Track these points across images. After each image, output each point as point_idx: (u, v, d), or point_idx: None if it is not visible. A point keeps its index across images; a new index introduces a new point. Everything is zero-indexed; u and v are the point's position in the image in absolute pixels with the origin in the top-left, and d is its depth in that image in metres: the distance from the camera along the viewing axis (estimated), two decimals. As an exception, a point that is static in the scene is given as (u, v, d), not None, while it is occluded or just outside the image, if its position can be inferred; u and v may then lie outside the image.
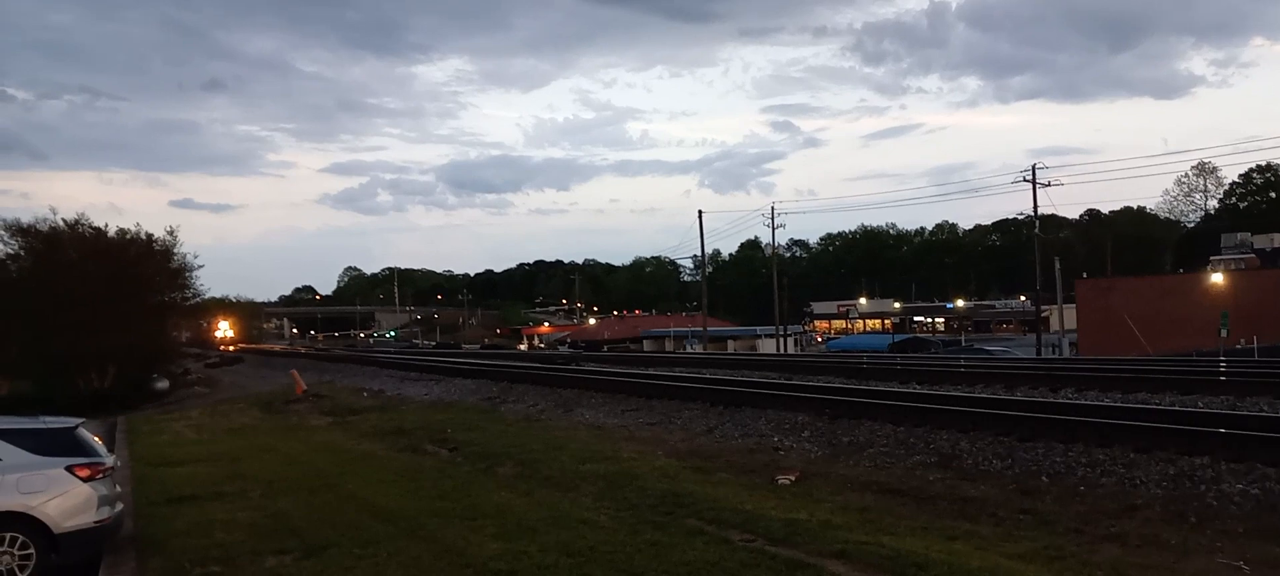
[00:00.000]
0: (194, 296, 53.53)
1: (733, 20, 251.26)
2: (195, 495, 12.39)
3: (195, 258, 50.06)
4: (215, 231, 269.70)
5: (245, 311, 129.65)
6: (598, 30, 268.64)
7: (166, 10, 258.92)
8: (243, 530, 10.08)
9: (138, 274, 44.79)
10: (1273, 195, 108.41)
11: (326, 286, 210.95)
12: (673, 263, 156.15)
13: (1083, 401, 16.73)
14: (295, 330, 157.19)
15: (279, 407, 27.45)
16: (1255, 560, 7.64)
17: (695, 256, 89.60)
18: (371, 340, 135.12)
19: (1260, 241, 63.35)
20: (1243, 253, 64.00)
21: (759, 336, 78.51)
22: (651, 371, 30.15)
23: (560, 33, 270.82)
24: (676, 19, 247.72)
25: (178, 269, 48.71)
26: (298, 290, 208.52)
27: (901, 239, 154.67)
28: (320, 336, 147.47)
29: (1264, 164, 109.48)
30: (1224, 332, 38.16)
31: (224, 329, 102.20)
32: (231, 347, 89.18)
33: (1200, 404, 16.35)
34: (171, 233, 48.11)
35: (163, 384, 48.11)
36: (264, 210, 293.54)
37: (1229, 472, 9.99)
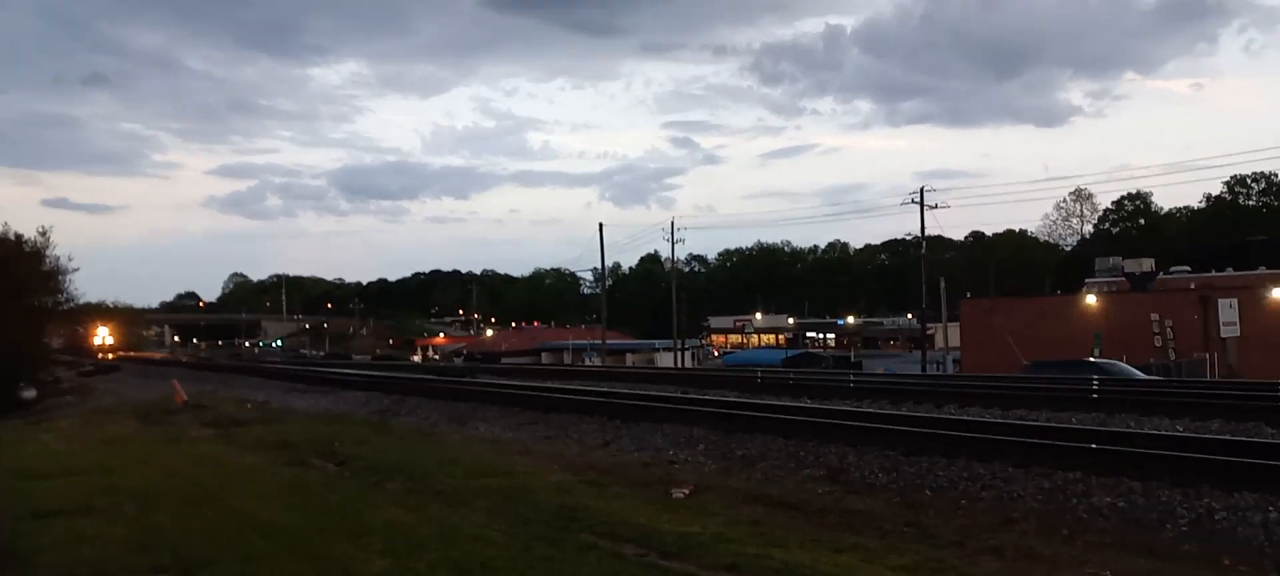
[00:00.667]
0: (67, 301, 51.15)
1: (635, 35, 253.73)
2: (64, 509, 11.72)
3: (70, 260, 47.89)
4: (93, 233, 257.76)
5: (124, 318, 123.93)
6: (499, 39, 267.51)
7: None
8: (115, 545, 9.59)
9: (4, 276, 42.46)
10: (1142, 222, 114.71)
11: (211, 293, 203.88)
12: (573, 275, 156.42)
13: (965, 417, 17.31)
14: (177, 338, 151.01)
15: (157, 418, 26.31)
16: (1121, 571, 8.00)
17: (595, 269, 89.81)
18: (257, 349, 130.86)
19: (1130, 265, 66.73)
20: (1114, 276, 67.31)
21: (657, 350, 79.01)
22: (549, 384, 30.00)
23: (461, 39, 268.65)
24: (579, 31, 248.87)
25: (50, 272, 46.48)
26: (180, 296, 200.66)
27: (796, 256, 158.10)
28: (204, 345, 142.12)
29: (1135, 192, 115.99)
30: (1098, 352, 40.07)
31: (103, 335, 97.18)
32: (111, 355, 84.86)
33: (1074, 420, 17.10)
34: (44, 233, 45.91)
35: (30, 393, 45.59)
36: (146, 212, 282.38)
37: (1099, 486, 10.45)
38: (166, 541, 9.78)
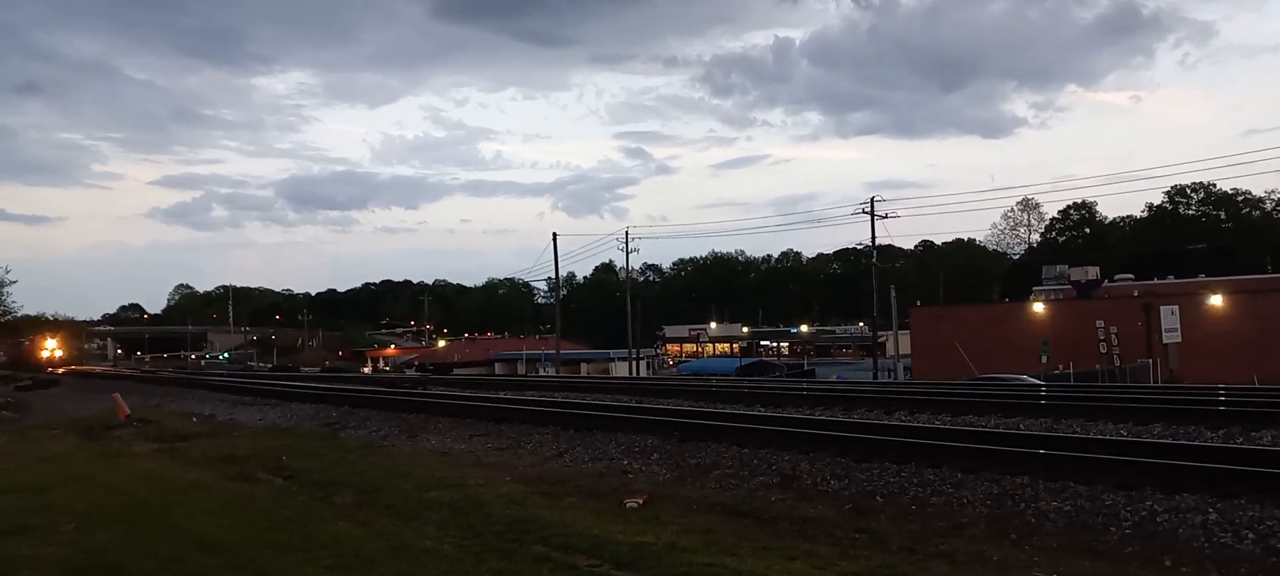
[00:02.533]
0: (5, 314, 49.62)
1: (586, 46, 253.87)
2: (-4, 530, 11.37)
3: (6, 272, 46.55)
4: (30, 244, 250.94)
5: (64, 331, 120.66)
6: (448, 48, 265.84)
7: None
8: (51, 567, 9.30)
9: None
10: (1087, 231, 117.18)
11: (156, 305, 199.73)
12: (526, 285, 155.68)
13: (915, 424, 17.49)
14: (120, 350, 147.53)
15: (99, 433, 25.63)
16: (1067, 574, 8.14)
17: (549, 279, 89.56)
18: (203, 362, 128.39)
19: (1076, 273, 68.10)
20: (1061, 284, 68.62)
21: (612, 359, 78.91)
22: (502, 395, 29.77)
23: (409, 49, 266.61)
24: (529, 41, 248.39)
25: (-14, 284, 45.10)
26: (124, 308, 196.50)
27: (750, 265, 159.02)
28: (148, 357, 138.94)
29: (1079, 201, 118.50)
30: (1045, 359, 40.81)
31: (52, 348, 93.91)
32: (61, 370, 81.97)
33: (1022, 426, 17.36)
34: (-20, 244, 44.52)
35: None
36: (87, 223, 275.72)
37: (1046, 491, 10.60)
38: (106, 560, 9.51)
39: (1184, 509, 9.47)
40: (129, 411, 29.60)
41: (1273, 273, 69.33)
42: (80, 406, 39.99)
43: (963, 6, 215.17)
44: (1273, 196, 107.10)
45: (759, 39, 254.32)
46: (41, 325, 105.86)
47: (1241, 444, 13.94)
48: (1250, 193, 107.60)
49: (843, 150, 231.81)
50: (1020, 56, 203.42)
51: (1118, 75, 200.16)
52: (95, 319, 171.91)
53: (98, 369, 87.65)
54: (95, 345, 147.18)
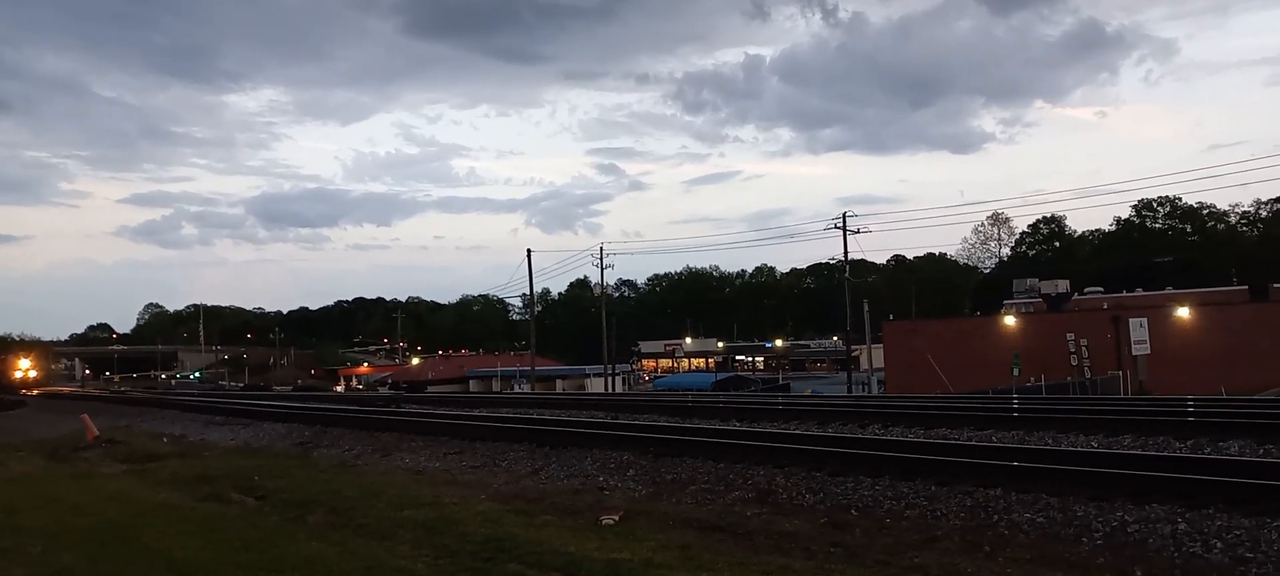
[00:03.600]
0: (-31, 334, 48.76)
1: (558, 63, 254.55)
2: (-39, 554, 11.17)
3: (-28, 291, 45.66)
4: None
5: (36, 351, 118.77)
6: (420, 66, 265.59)
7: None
8: (16, 591, 9.16)
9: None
10: (1057, 244, 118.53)
11: (125, 324, 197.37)
12: (501, 301, 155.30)
13: (889, 437, 17.56)
14: (88, 371, 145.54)
15: (66, 454, 25.27)
16: (1041, 584, 8.19)
17: (524, 295, 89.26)
18: (174, 381, 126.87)
19: (1046, 286, 68.75)
20: (1031, 297, 69.27)
21: (588, 375, 78.79)
22: (477, 412, 29.62)
23: (381, 66, 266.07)
24: (501, 59, 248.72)
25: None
26: (92, 328, 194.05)
27: (724, 280, 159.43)
28: (117, 378, 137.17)
29: (1049, 215, 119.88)
30: (1016, 371, 41.16)
31: (25, 368, 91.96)
32: (35, 390, 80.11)
33: (995, 438, 17.46)
34: (-55, 264, 43.75)
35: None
36: (54, 242, 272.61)
37: (1018, 503, 10.68)
38: (73, 583, 9.37)
39: (1154, 519, 9.57)
40: (97, 432, 29.19)
41: (1238, 285, 70.38)
42: (47, 428, 39.39)
43: (931, 25, 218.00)
44: (1237, 210, 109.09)
45: (730, 56, 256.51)
46: (9, 345, 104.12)
47: (1209, 454, 14.10)
48: (1215, 206, 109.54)
49: (814, 166, 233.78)
50: (988, 73, 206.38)
51: (1084, 91, 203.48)
52: (63, 338, 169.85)
53: (65, 389, 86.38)
54: (62, 365, 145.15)
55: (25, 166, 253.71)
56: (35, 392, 77.40)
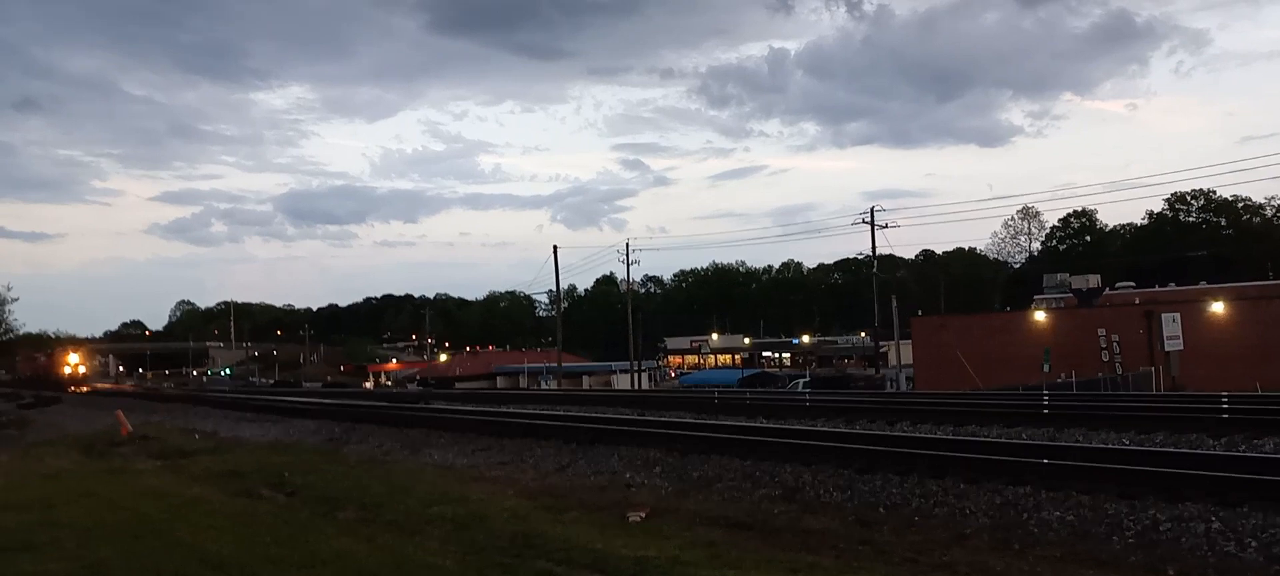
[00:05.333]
0: (6, 332, 49.59)
1: (582, 59, 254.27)
2: (1, 546, 11.36)
3: (9, 289, 46.51)
4: (30, 261, 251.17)
5: (79, 348, 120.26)
6: (445, 62, 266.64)
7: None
8: (53, 585, 9.32)
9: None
10: (1088, 239, 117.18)
11: (157, 321, 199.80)
12: (528, 297, 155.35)
13: (918, 434, 17.48)
14: (122, 367, 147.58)
15: (101, 450, 25.64)
16: (1072, 583, 8.13)
17: (551, 291, 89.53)
18: (205, 378, 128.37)
19: (1077, 282, 67.97)
20: (1062, 292, 68.56)
21: (614, 372, 78.87)
22: (504, 409, 29.78)
23: (406, 63, 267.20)
24: (525, 55, 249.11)
25: (-12, 302, 45.10)
26: (125, 325, 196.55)
27: (751, 276, 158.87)
28: (150, 374, 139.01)
29: (1079, 210, 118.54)
30: (1047, 368, 40.76)
31: (75, 363, 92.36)
32: (84, 387, 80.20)
33: (1024, 436, 17.34)
34: (-18, 262, 44.51)
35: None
36: (87, 239, 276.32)
37: (1049, 501, 10.60)
38: (109, 577, 9.52)
39: (1187, 517, 9.46)
40: (131, 428, 29.62)
41: (1274, 279, 69.28)
42: (82, 423, 40.02)
43: (956, 17, 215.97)
44: (1272, 203, 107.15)
45: (754, 50, 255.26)
46: (46, 343, 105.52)
47: (1244, 452, 13.92)
48: (1250, 199, 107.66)
49: (840, 160, 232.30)
50: (1015, 66, 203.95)
51: (1113, 83, 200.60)
52: (97, 336, 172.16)
53: (101, 386, 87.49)
54: (98, 362, 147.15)
55: (58, 165, 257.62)
56: (85, 389, 77.82)
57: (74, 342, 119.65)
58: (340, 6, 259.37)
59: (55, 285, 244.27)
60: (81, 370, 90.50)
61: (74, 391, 74.30)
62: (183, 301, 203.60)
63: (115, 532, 12.09)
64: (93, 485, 17.82)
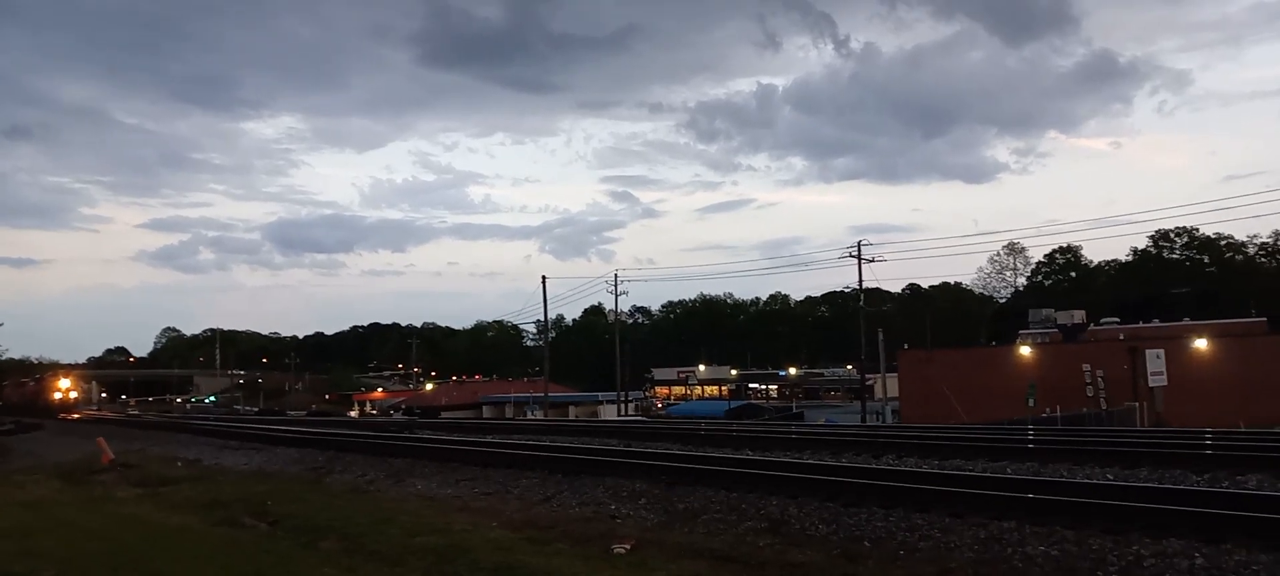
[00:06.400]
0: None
1: (572, 92, 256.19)
2: (-24, 576, 11.23)
3: (-6, 314, 46.00)
4: (16, 288, 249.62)
5: (70, 373, 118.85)
6: (436, 95, 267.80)
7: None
8: (29, 615, 9.19)
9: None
10: (1073, 275, 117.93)
11: (142, 348, 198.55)
12: (515, 327, 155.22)
13: (903, 468, 17.46)
14: (105, 394, 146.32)
15: (81, 478, 25.38)
16: (1056, 619, 8.10)
17: (538, 321, 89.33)
18: (189, 405, 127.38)
19: (1062, 317, 68.39)
20: (1047, 327, 68.91)
21: (601, 402, 78.62)
22: (490, 439, 29.62)
23: (397, 95, 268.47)
24: (515, 88, 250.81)
25: (-30, 327, 44.65)
26: (110, 352, 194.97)
27: (738, 308, 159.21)
28: (133, 401, 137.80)
29: (1064, 245, 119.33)
30: (1031, 402, 40.89)
31: (65, 388, 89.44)
32: (76, 414, 78.06)
33: (1009, 470, 17.33)
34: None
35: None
36: (74, 266, 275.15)
37: (1033, 535, 10.59)
38: (86, 607, 9.40)
39: (1171, 553, 9.47)
40: (113, 455, 29.33)
41: (1257, 317, 69.78)
42: (63, 451, 39.61)
43: (942, 55, 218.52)
44: (1255, 241, 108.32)
45: (742, 86, 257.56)
46: (26, 368, 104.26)
47: (1228, 488, 13.96)
48: (1233, 237, 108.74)
49: (827, 194, 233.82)
50: (1000, 103, 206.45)
51: (1097, 121, 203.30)
52: (80, 362, 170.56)
53: (80, 413, 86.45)
54: (84, 388, 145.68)
55: (46, 192, 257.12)
56: (76, 416, 75.90)
57: (58, 368, 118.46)
58: (333, 39, 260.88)
59: (40, 311, 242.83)
60: (72, 396, 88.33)
61: (63, 418, 72.96)
62: (169, 328, 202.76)
63: (94, 562, 11.94)
64: (72, 514, 17.62)
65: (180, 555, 12.32)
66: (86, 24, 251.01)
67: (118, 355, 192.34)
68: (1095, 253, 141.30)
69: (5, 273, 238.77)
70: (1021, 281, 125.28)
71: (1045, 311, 74.63)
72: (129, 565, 11.70)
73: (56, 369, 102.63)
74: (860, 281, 56.13)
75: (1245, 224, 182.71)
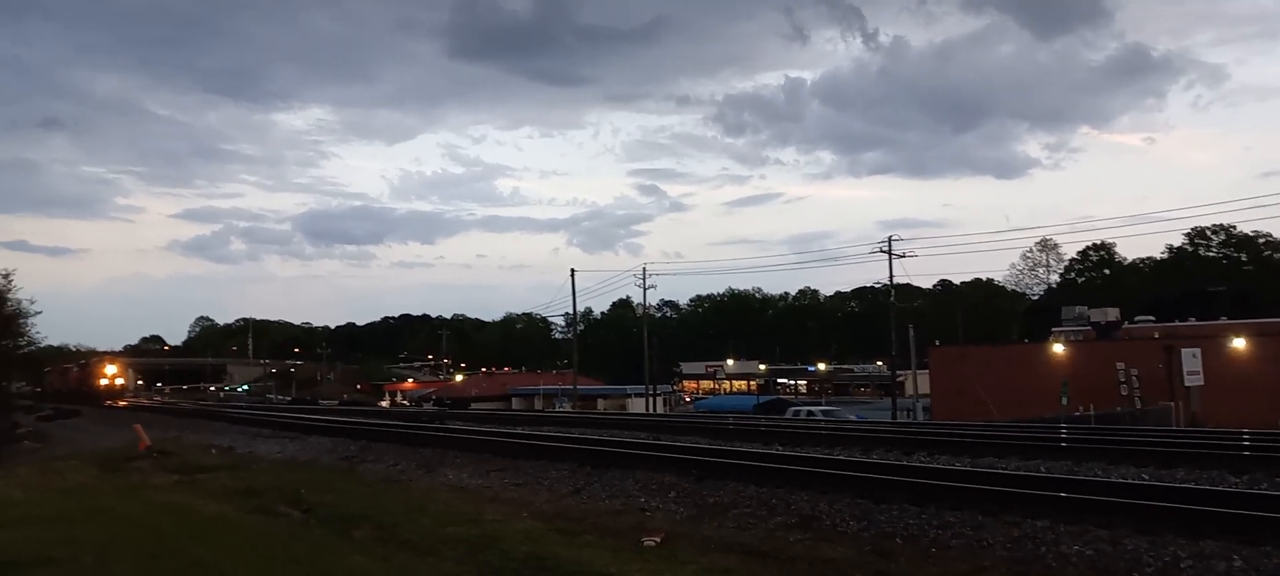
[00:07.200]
0: (28, 344, 49.96)
1: (599, 85, 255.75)
2: (19, 561, 11.42)
3: (32, 303, 46.87)
4: (53, 277, 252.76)
5: (117, 360, 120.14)
6: (465, 87, 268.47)
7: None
8: (71, 599, 9.36)
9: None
10: (1107, 272, 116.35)
11: (176, 337, 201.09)
12: (544, 320, 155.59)
13: (935, 465, 17.37)
14: (141, 382, 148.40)
15: (119, 465, 25.77)
16: (1091, 619, 8.04)
17: (567, 314, 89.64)
18: (223, 394, 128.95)
19: (1096, 315, 67.51)
20: (1081, 325, 68.07)
21: (629, 395, 78.68)
22: (519, 430, 29.78)
23: (426, 88, 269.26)
24: (543, 81, 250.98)
25: (11, 315, 45.45)
26: (145, 340, 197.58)
27: (767, 303, 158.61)
28: (168, 389, 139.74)
29: (1098, 242, 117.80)
30: (1065, 400, 40.44)
31: (112, 375, 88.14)
32: (122, 402, 76.67)
33: (1042, 468, 17.20)
34: (6, 276, 44.96)
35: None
36: (109, 256, 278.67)
37: (1067, 535, 10.52)
38: (127, 592, 9.56)
39: (1208, 555, 9.36)
40: (149, 443, 29.77)
41: (1296, 315, 68.52)
42: (100, 437, 40.27)
43: (972, 49, 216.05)
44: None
45: (770, 79, 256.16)
46: (62, 356, 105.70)
47: (1267, 490, 13.77)
48: (1271, 234, 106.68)
49: (856, 189, 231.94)
50: (1032, 98, 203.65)
51: (1130, 116, 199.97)
52: (116, 350, 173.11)
53: (127, 400, 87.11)
54: (131, 375, 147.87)
55: (82, 182, 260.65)
56: (123, 404, 74.64)
57: (102, 355, 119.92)
58: (359, 33, 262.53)
59: (76, 300, 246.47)
60: (119, 382, 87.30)
61: (110, 405, 72.68)
62: (202, 318, 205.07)
63: (133, 549, 12.13)
64: (111, 501, 17.91)
65: (217, 543, 12.50)
66: (119, 20, 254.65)
67: (153, 343, 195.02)
68: (1129, 249, 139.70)
69: (42, 262, 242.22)
70: (1054, 278, 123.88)
71: (1078, 309, 73.64)
72: (167, 553, 11.88)
73: (101, 356, 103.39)
74: (891, 276, 55.78)
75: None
